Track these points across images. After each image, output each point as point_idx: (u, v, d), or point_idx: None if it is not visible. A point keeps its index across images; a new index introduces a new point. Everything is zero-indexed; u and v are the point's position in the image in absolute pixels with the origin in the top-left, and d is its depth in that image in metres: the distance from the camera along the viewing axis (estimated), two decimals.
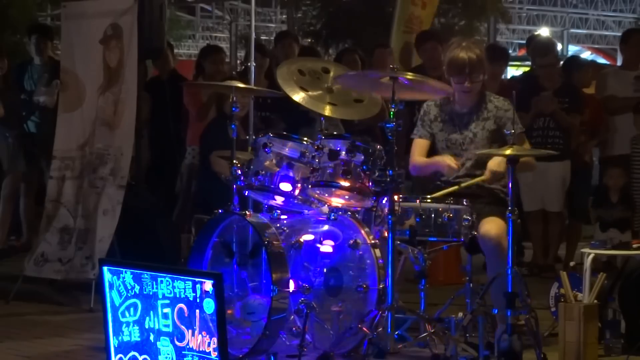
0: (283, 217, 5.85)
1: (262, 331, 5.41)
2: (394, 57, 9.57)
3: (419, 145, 6.08)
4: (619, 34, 28.32)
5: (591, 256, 5.99)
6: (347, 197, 5.76)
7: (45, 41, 9.60)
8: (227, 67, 9.53)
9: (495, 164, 5.74)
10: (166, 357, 4.61)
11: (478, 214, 5.68)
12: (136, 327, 4.68)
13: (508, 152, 5.37)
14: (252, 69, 7.78)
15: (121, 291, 4.70)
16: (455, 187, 5.80)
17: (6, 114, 9.19)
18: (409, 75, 5.66)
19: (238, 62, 15.99)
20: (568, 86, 8.90)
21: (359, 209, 5.87)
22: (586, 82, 9.36)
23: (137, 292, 4.66)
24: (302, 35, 19.50)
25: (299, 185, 5.77)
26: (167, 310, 4.58)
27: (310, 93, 6.12)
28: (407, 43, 10.21)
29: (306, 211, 5.96)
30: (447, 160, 5.83)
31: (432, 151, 6.11)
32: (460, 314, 5.50)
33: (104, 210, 7.31)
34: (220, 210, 5.87)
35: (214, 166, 7.31)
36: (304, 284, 5.53)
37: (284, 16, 27.83)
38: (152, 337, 4.64)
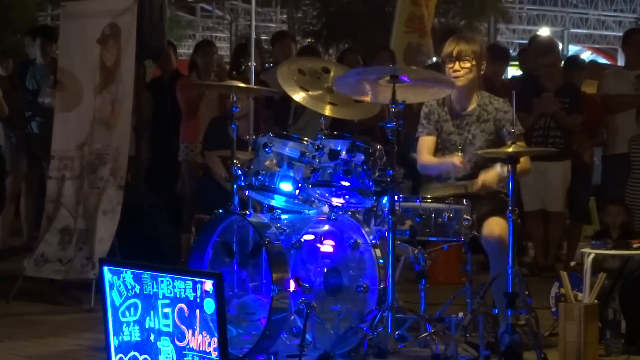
0: (283, 217, 5.85)
1: (262, 331, 5.41)
2: (398, 58, 9.55)
3: (426, 143, 6.03)
4: (619, 34, 28.34)
5: (591, 256, 5.99)
6: (347, 197, 5.76)
7: (51, 43, 9.59)
8: (218, 59, 9.48)
9: (489, 177, 5.71)
10: (166, 357, 4.61)
11: (479, 215, 5.67)
12: (136, 327, 4.68)
13: (509, 150, 5.37)
14: (253, 69, 7.79)
15: (121, 291, 4.70)
16: (447, 193, 5.77)
17: (10, 114, 9.18)
18: (412, 73, 5.63)
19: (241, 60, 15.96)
20: (569, 86, 8.88)
21: (359, 209, 5.87)
22: (581, 81, 9.37)
23: (138, 292, 4.66)
24: (302, 35, 19.51)
25: (299, 185, 5.77)
26: (167, 310, 4.58)
27: (310, 93, 6.11)
28: (411, 43, 10.19)
29: (306, 211, 5.96)
30: (454, 159, 5.81)
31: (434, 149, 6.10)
32: (461, 314, 5.49)
33: (104, 210, 7.30)
34: (220, 210, 5.87)
35: (208, 163, 7.30)
36: (304, 284, 5.53)
37: (284, 16, 27.84)
38: (152, 337, 4.64)
